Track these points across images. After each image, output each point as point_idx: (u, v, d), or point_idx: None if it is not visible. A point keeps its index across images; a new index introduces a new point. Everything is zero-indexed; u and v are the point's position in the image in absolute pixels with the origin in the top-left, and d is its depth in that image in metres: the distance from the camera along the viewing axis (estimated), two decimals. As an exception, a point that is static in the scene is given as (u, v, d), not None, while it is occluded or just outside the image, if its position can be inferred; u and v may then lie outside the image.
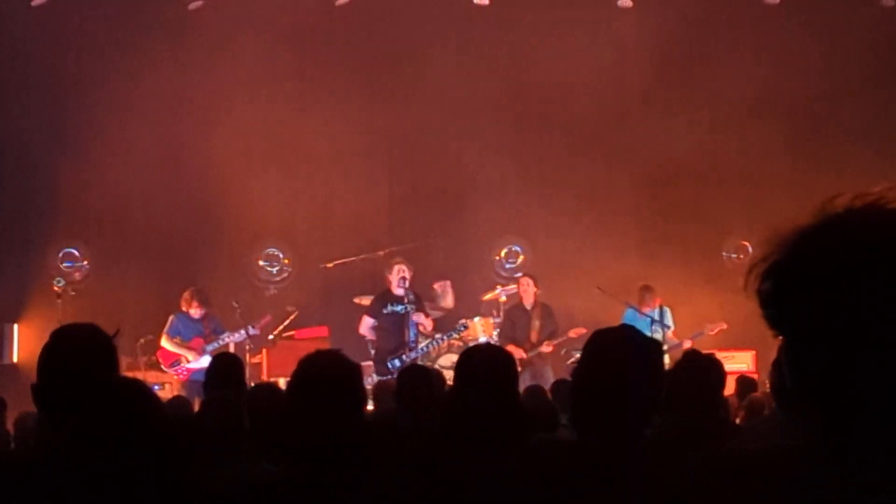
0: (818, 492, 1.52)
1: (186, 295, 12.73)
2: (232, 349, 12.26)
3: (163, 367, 12.53)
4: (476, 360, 4.28)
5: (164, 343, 12.61)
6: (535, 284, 13.20)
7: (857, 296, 1.50)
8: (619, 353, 3.37)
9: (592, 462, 3.22)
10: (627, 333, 3.54)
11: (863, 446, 1.52)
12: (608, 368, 3.33)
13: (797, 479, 1.55)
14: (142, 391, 3.10)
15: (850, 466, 1.51)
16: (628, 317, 12.88)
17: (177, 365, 12.47)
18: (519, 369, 12.60)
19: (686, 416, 4.56)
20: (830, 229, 1.56)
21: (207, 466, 4.26)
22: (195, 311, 12.62)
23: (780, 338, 1.60)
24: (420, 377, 6.93)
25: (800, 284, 1.56)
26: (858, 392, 1.51)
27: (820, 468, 1.54)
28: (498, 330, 13.47)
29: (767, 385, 7.60)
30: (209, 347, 12.34)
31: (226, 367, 6.99)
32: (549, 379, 11.37)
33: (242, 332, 12.60)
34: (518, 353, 12.70)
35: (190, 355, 12.45)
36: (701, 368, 4.97)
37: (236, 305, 12.94)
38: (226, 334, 12.66)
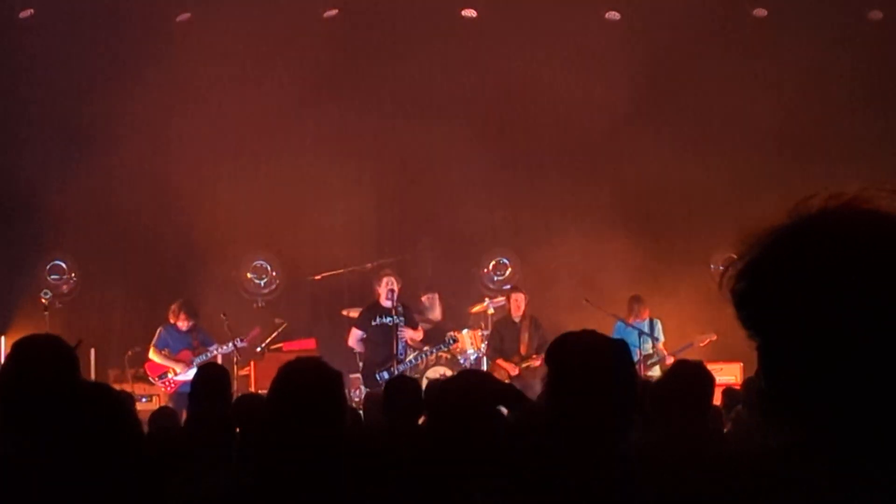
0: (794, 492, 1.52)
1: (174, 307, 12.72)
2: (220, 361, 12.24)
3: (151, 379, 12.51)
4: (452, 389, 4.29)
5: (152, 355, 12.59)
6: (526, 299, 13.21)
7: (832, 295, 1.49)
8: (584, 358, 3.30)
9: (572, 469, 3.18)
10: (589, 338, 3.46)
11: (836, 445, 1.51)
12: (576, 374, 3.27)
13: (773, 479, 1.54)
14: (108, 398, 3.07)
15: (826, 466, 1.50)
16: (617, 329, 12.88)
17: (164, 377, 12.44)
18: (507, 382, 12.52)
19: (674, 425, 4.55)
20: (805, 229, 1.55)
21: (194, 477, 4.25)
22: (183, 324, 12.61)
23: (755, 339, 1.59)
24: (408, 388, 6.90)
25: (774, 284, 1.55)
26: (832, 392, 1.50)
27: (796, 469, 1.53)
28: (486, 343, 13.45)
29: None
30: (197, 360, 12.31)
31: (212, 378, 6.97)
32: (537, 392, 11.34)
33: (231, 344, 12.59)
34: (509, 368, 12.71)
35: (178, 367, 12.42)
36: (689, 377, 4.95)
37: (224, 318, 12.93)
38: (214, 346, 12.65)
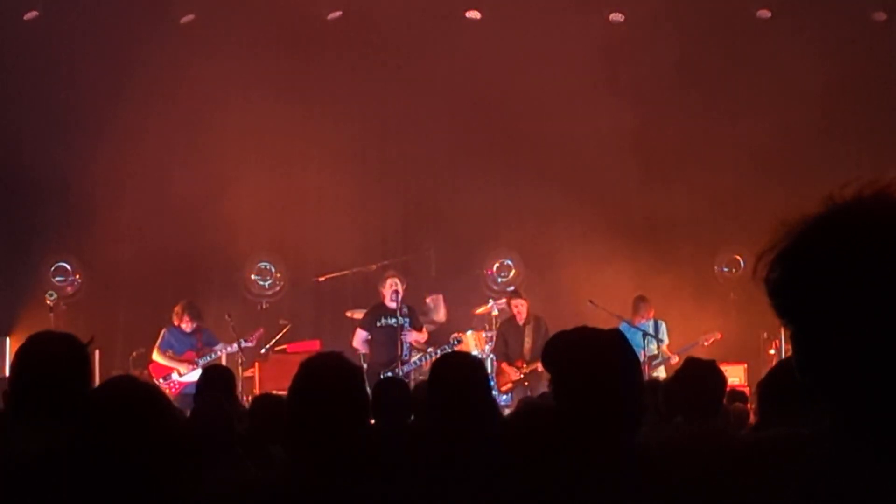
0: (824, 478, 1.51)
1: (178, 308, 12.72)
2: (224, 362, 12.24)
3: (155, 380, 12.46)
4: (445, 366, 4.31)
5: (156, 357, 12.59)
6: (527, 301, 13.22)
7: (868, 282, 1.49)
8: (582, 354, 3.24)
9: (584, 468, 3.14)
10: (584, 334, 3.38)
11: (872, 433, 1.51)
12: (577, 373, 3.21)
13: (804, 465, 1.54)
14: (143, 393, 3.05)
15: (860, 454, 1.50)
16: (622, 330, 12.83)
17: (169, 378, 12.43)
18: (510, 385, 12.49)
19: (685, 423, 4.53)
20: (840, 217, 1.55)
21: (198, 471, 4.24)
22: (187, 325, 12.61)
23: (789, 327, 1.59)
24: (395, 389, 6.87)
25: (810, 272, 1.55)
26: (867, 378, 1.50)
27: (828, 455, 1.53)
28: (489, 344, 13.47)
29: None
30: (201, 361, 12.32)
31: (216, 377, 6.98)
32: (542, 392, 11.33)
33: (235, 344, 12.59)
34: (511, 372, 12.74)
35: (182, 368, 12.42)
36: (700, 375, 4.92)
37: (229, 319, 12.94)
38: (218, 346, 12.66)
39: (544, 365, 3.40)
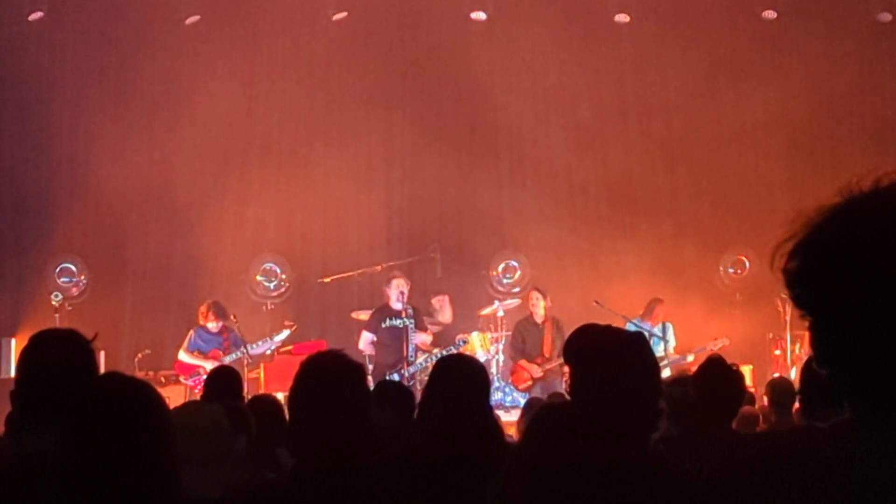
0: (844, 470, 1.50)
1: (203, 308, 12.76)
2: (246, 362, 12.30)
3: (182, 378, 12.51)
4: (446, 369, 4.32)
5: (182, 356, 12.64)
6: (545, 298, 13.18)
7: (887, 272, 1.48)
8: (605, 351, 3.24)
9: (601, 466, 3.13)
10: (608, 332, 3.40)
11: (891, 424, 1.50)
12: (598, 369, 3.21)
13: (823, 458, 1.53)
14: (137, 392, 3.03)
15: (881, 446, 1.49)
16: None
17: (196, 376, 12.40)
18: (530, 383, 12.43)
19: (703, 424, 4.50)
20: (858, 207, 1.55)
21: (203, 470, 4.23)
22: (213, 325, 12.63)
23: (807, 318, 1.58)
24: (397, 390, 6.87)
25: (828, 262, 1.54)
26: (887, 368, 1.49)
27: (847, 448, 1.52)
28: (495, 345, 13.46)
29: (765, 399, 7.62)
30: (227, 359, 12.28)
31: (222, 379, 6.99)
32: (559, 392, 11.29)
33: (267, 339, 12.63)
34: (532, 370, 12.74)
35: (208, 365, 12.37)
36: (724, 377, 4.86)
37: (234, 320, 12.93)
38: (248, 346, 12.58)
39: (566, 357, 3.39)
